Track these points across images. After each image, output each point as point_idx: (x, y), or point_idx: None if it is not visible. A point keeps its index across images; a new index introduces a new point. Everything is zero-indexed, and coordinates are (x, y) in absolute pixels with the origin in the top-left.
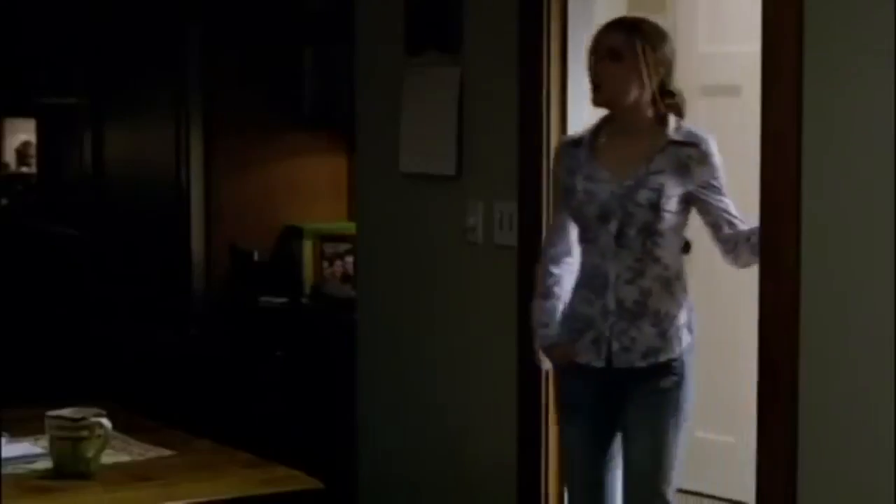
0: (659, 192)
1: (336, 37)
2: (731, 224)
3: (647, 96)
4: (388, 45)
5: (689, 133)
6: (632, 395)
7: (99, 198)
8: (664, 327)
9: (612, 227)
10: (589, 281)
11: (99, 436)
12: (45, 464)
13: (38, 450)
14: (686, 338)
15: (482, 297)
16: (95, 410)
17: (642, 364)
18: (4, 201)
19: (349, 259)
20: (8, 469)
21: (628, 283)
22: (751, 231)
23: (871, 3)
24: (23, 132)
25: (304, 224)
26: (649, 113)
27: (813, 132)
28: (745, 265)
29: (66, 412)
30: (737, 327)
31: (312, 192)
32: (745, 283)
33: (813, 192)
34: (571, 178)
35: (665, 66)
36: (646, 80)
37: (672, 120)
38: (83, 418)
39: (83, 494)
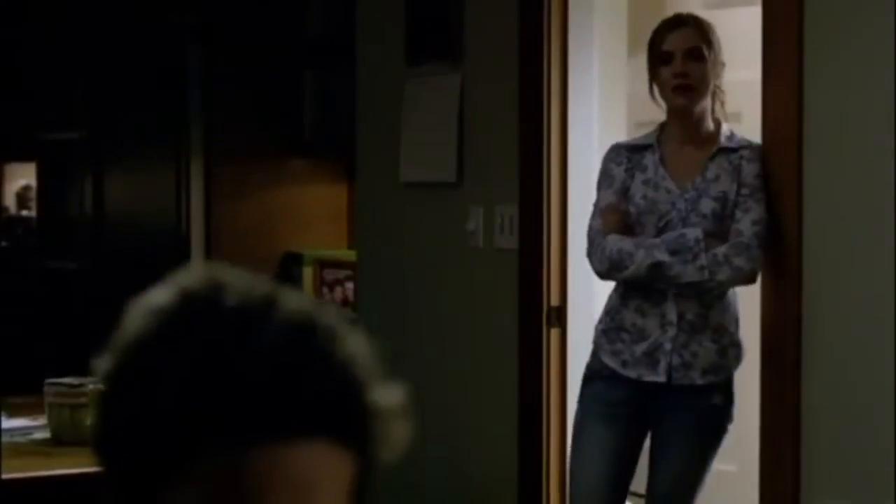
0: (722, 200)
1: (336, 62)
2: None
3: (709, 101)
4: (389, 55)
5: (742, 140)
6: (679, 414)
7: (99, 226)
8: (723, 343)
9: None
10: (642, 290)
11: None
12: (43, 434)
13: (36, 423)
14: (740, 355)
15: (483, 300)
16: (95, 378)
17: (701, 382)
18: (4, 243)
19: (349, 285)
20: (6, 439)
21: (688, 296)
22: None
23: (869, 32)
24: (23, 177)
25: (305, 250)
26: (710, 119)
27: (813, 160)
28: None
29: (65, 380)
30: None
31: (312, 219)
32: (748, 309)
33: (815, 219)
34: (631, 179)
35: (721, 68)
36: (712, 83)
37: (725, 127)
38: (82, 385)
39: (82, 458)
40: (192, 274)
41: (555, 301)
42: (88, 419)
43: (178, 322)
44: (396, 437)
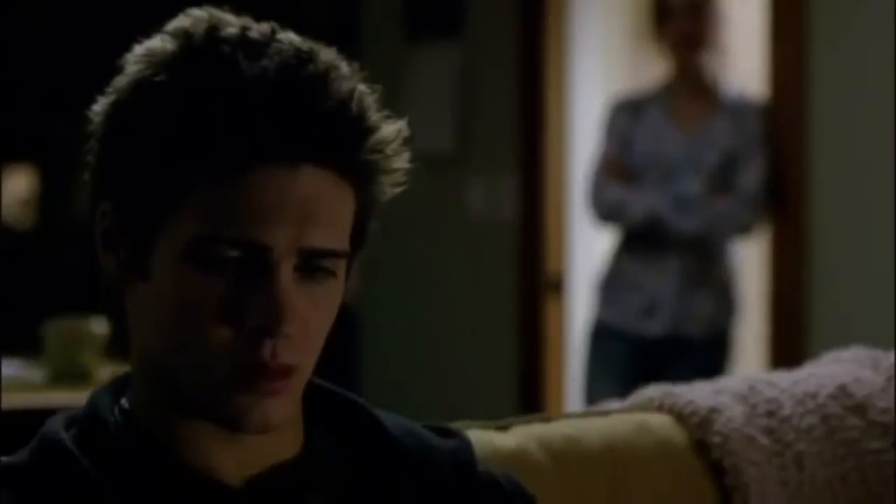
0: (725, 153)
1: (337, 47)
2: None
3: (713, 55)
4: (389, 30)
5: (746, 95)
6: (680, 368)
7: None
8: (722, 298)
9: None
10: (643, 243)
11: (96, 336)
12: (42, 376)
13: (33, 366)
14: (738, 309)
15: (484, 271)
16: (94, 319)
17: (700, 335)
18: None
19: None
20: (5, 384)
21: (690, 250)
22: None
23: (872, 31)
24: (20, 180)
25: None
26: (714, 73)
27: (818, 116)
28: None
29: (64, 319)
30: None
31: None
32: (748, 284)
33: (821, 176)
34: (634, 130)
35: (725, 23)
36: (715, 40)
37: (729, 82)
38: (80, 323)
39: (82, 392)
40: (188, 15)
41: (555, 272)
42: (86, 356)
43: (175, 55)
44: (396, 168)
